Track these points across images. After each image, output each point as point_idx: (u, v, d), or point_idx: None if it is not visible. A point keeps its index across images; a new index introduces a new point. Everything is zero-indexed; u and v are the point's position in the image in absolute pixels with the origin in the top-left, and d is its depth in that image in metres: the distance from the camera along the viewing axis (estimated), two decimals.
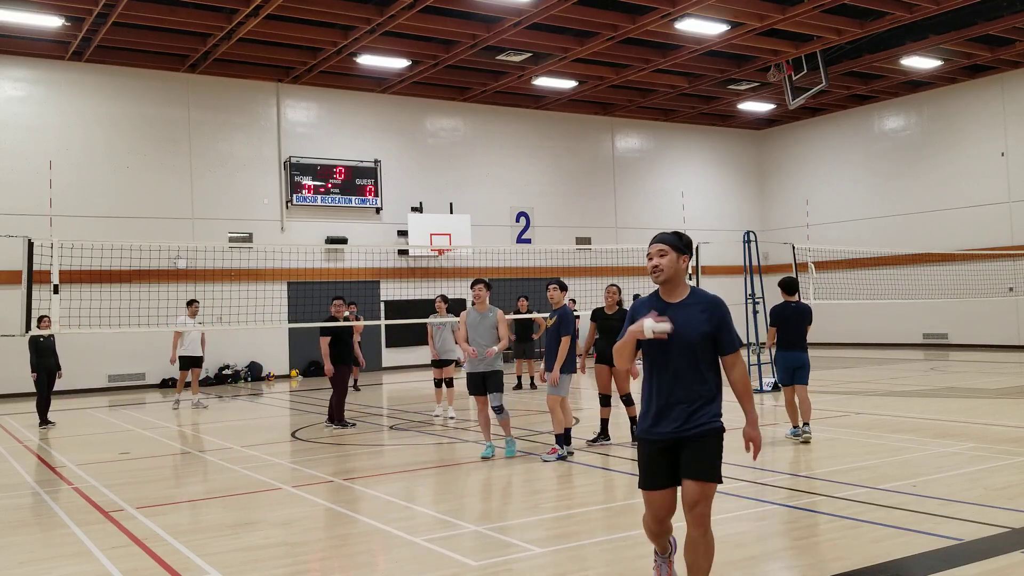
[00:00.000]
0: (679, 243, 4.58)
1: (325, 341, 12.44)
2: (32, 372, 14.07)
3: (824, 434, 10.40)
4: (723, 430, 4.42)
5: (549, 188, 27.50)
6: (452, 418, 13.11)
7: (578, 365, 9.99)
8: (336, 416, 12.64)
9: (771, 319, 10.42)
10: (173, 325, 16.19)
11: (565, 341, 9.43)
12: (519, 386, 17.49)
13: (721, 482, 4.39)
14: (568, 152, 28.05)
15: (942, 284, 22.85)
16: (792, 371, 10.11)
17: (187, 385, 16.53)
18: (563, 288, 9.84)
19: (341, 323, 12.80)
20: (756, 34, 20.37)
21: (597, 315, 10.47)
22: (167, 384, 21.35)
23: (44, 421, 14.05)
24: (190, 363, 16.18)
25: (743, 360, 4.47)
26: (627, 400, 10.16)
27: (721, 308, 4.45)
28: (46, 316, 12.60)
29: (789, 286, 10.42)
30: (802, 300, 10.95)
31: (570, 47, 20.98)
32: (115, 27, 18.68)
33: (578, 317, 10.36)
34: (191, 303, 16.14)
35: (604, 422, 10.18)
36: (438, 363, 13.56)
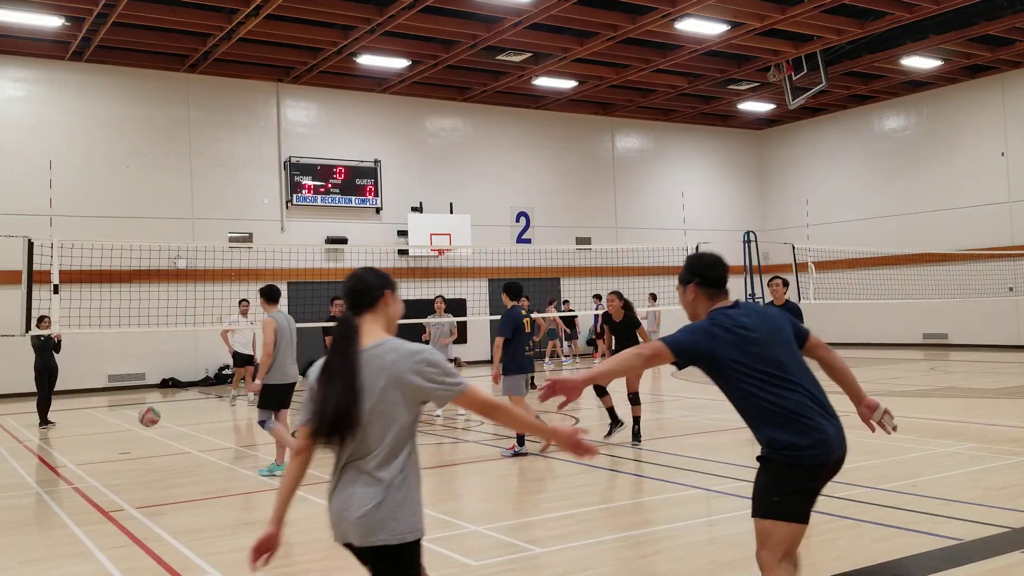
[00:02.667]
0: (685, 272, 3.91)
1: (330, 341, 12.46)
2: (35, 369, 14.15)
3: None
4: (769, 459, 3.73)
5: (549, 188, 27.50)
6: (462, 414, 13.27)
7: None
8: None
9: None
10: (228, 324, 16.74)
11: (498, 342, 9.62)
12: None
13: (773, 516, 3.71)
14: (568, 152, 28.05)
15: (942, 284, 22.84)
16: None
17: (231, 382, 17.31)
18: (508, 293, 9.99)
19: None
20: (756, 34, 20.37)
21: (607, 320, 10.69)
22: (167, 384, 21.36)
23: (44, 421, 14.05)
24: (244, 361, 16.86)
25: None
26: (634, 399, 10.25)
27: None
28: (46, 316, 12.63)
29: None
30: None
31: (570, 47, 20.98)
32: (115, 27, 18.68)
33: (527, 317, 10.47)
34: (243, 302, 16.58)
35: (610, 410, 10.32)
36: None
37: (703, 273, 3.92)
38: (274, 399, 9.07)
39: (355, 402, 3.07)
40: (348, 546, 3.18)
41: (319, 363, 3.24)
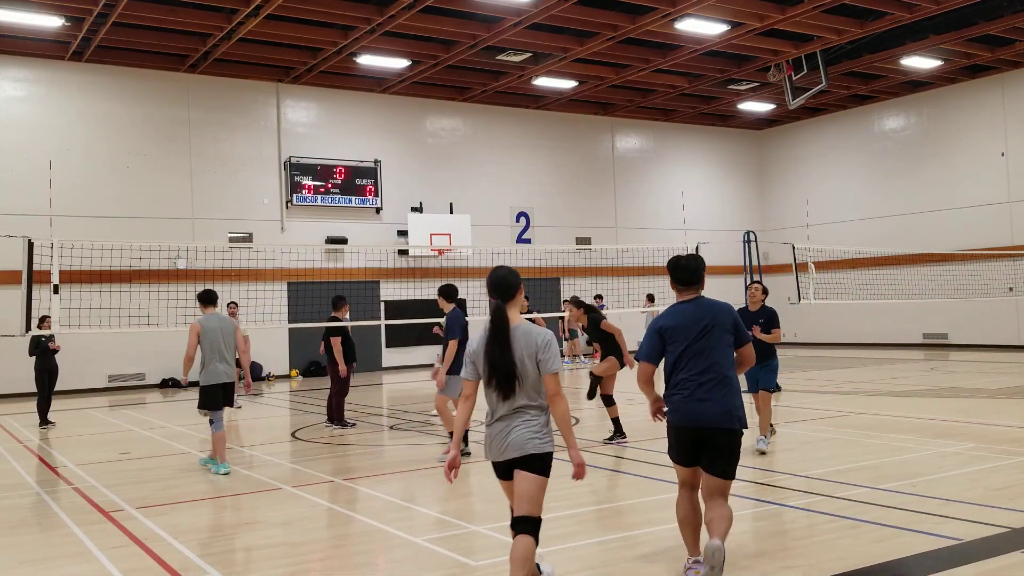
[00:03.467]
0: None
1: (337, 341, 12.47)
2: (35, 370, 14.17)
3: (824, 434, 10.41)
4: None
5: (549, 188, 27.50)
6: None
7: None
8: (336, 416, 12.65)
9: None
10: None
11: (452, 344, 9.62)
12: None
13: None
14: (568, 152, 28.05)
15: (942, 284, 22.84)
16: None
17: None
18: (444, 296, 10.08)
19: (343, 323, 12.80)
20: (756, 34, 20.37)
21: (585, 330, 11.01)
22: (167, 384, 21.36)
23: (44, 421, 14.06)
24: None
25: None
26: (609, 400, 10.42)
27: None
28: (48, 316, 12.64)
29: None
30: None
31: (570, 47, 20.98)
32: (115, 27, 18.68)
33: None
34: (231, 304, 16.43)
35: (615, 420, 10.37)
36: None
37: (673, 275, 5.37)
38: (207, 400, 9.34)
39: (513, 364, 4.56)
40: (498, 464, 4.67)
41: (482, 336, 4.69)
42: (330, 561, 5.98)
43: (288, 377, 23.09)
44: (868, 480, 7.63)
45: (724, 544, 4.89)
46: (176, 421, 14.44)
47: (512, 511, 4.67)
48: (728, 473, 5.07)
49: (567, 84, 24.62)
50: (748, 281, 15.74)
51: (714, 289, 22.05)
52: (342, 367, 12.45)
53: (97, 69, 21.21)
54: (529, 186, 27.12)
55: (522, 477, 4.59)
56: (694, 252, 4.82)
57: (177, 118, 22.14)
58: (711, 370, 5.06)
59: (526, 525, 4.59)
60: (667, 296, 22.76)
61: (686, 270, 5.29)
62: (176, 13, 18.16)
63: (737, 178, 31.42)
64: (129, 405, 17.60)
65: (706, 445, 5.06)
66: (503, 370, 4.56)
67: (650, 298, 23.13)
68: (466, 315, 10.44)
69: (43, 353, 14.08)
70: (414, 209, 24.71)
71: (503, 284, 4.74)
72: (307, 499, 7.85)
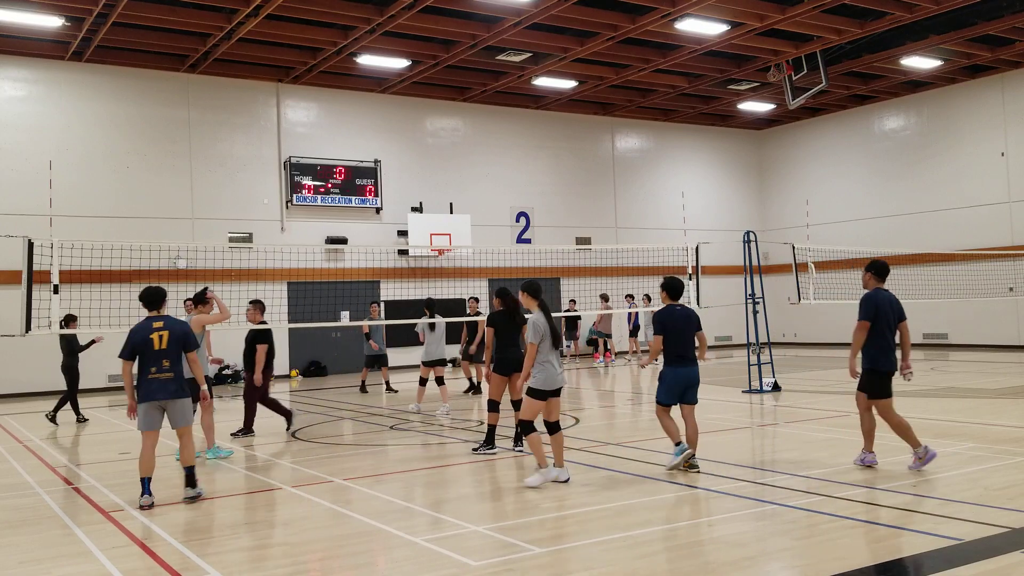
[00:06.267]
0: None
1: (263, 350, 11.52)
2: (63, 370, 14.50)
3: (824, 434, 10.41)
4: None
5: (549, 188, 27.50)
6: (447, 414, 13.45)
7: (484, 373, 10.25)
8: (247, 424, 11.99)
9: (656, 327, 8.50)
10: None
11: (193, 357, 8.14)
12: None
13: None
14: (568, 152, 28.05)
15: (942, 284, 22.83)
16: (684, 389, 8.43)
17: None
18: (147, 302, 8.08)
19: (261, 326, 11.79)
20: (756, 34, 20.37)
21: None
22: None
23: (79, 418, 14.57)
24: None
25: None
26: (517, 406, 9.79)
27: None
28: (75, 317, 12.94)
29: (674, 288, 8.58)
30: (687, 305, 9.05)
31: (570, 47, 20.98)
32: (115, 27, 18.68)
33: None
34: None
35: (492, 428, 9.84)
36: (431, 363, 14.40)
37: (877, 272, 8.85)
38: None
39: (560, 332, 8.22)
40: (549, 391, 8.07)
41: (541, 317, 8.12)
42: (330, 561, 5.98)
43: (288, 377, 23.08)
44: (868, 480, 7.64)
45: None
46: None
47: (534, 421, 8.08)
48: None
49: (567, 84, 24.62)
50: (748, 280, 15.74)
51: (714, 289, 22.18)
52: (257, 376, 11.56)
53: (97, 69, 21.21)
54: (529, 186, 27.12)
55: (557, 400, 8.15)
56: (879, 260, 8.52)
57: (177, 118, 22.14)
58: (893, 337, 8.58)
59: (558, 425, 8.17)
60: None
61: (885, 268, 8.77)
62: (176, 13, 18.16)
63: (737, 178, 31.42)
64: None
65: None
66: (556, 334, 8.06)
67: (647, 298, 23.13)
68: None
69: (71, 353, 14.31)
70: (414, 209, 24.71)
71: (540, 291, 8.36)
72: (307, 499, 7.85)
